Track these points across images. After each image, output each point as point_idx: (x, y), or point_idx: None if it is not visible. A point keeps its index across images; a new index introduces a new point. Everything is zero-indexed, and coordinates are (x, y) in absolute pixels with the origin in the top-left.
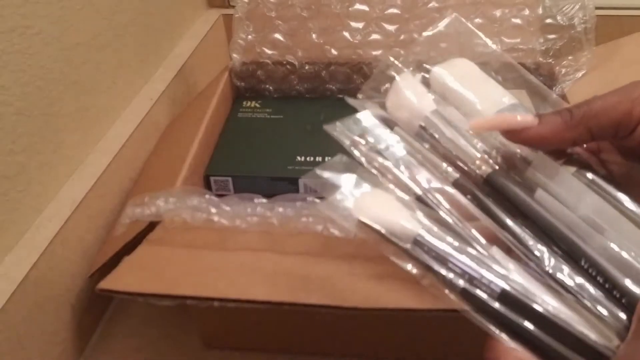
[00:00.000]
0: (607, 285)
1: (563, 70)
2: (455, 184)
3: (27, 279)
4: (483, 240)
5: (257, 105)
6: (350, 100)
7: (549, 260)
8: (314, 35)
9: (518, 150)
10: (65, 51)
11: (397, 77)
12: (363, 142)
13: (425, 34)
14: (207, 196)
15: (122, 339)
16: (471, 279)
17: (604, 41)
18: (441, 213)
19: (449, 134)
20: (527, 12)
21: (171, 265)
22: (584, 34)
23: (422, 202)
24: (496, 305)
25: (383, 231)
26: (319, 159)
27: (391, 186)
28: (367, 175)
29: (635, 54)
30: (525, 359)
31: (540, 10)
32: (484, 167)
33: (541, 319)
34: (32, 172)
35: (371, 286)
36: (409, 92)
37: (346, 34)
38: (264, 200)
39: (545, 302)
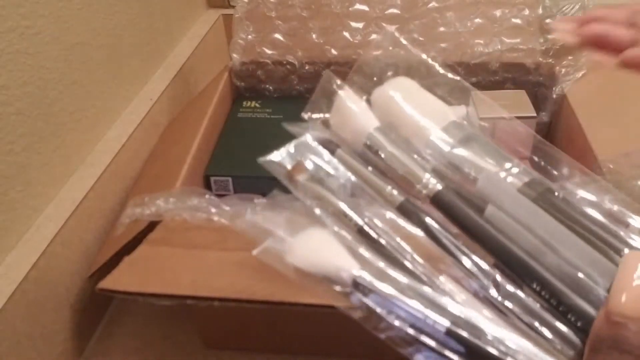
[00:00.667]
0: (560, 308)
1: (563, 70)
2: (400, 209)
3: (27, 279)
4: (431, 270)
5: (257, 105)
6: (288, 126)
7: (499, 287)
8: (314, 35)
9: (466, 169)
10: (65, 51)
11: (339, 95)
12: (301, 171)
13: (363, 55)
14: (207, 196)
15: (122, 340)
16: (415, 322)
17: None
18: (384, 244)
19: (394, 152)
20: (527, 12)
21: (171, 265)
22: None
23: (363, 235)
24: (441, 347)
25: (320, 276)
26: None
27: (330, 219)
28: (304, 210)
29: None
30: None
31: (540, 10)
32: (430, 186)
33: (487, 357)
34: (32, 172)
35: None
36: (352, 110)
37: (346, 34)
38: (264, 200)
39: (494, 334)
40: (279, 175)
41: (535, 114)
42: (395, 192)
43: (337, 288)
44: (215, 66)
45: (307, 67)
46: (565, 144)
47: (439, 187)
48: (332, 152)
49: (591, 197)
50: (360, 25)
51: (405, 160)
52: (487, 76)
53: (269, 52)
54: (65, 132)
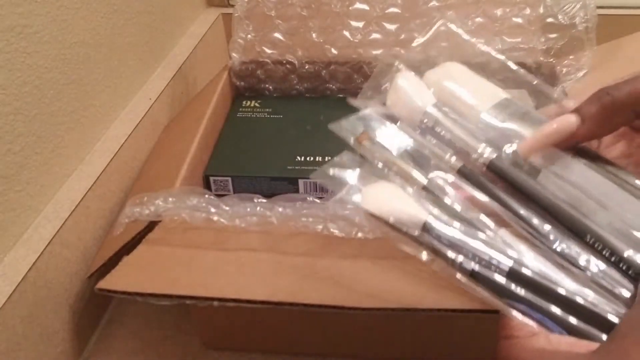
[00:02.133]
0: (613, 259)
1: (564, 70)
2: (460, 172)
3: (26, 280)
4: (491, 224)
5: (257, 104)
6: (352, 101)
7: (556, 239)
8: (314, 35)
9: (516, 141)
10: (63, 50)
11: (397, 75)
12: (367, 138)
13: (417, 41)
14: (206, 196)
15: (121, 340)
16: (480, 261)
17: (605, 40)
18: (447, 200)
19: (450, 126)
20: (528, 11)
21: (170, 265)
22: (585, 33)
23: (428, 191)
24: (505, 282)
25: (391, 220)
26: (318, 158)
27: (397, 178)
28: (373, 170)
29: (636, 53)
30: (537, 332)
31: (541, 10)
32: (486, 155)
33: (550, 293)
34: (30, 172)
35: (371, 286)
36: (409, 89)
37: (346, 33)
38: (264, 200)
39: (554, 277)
40: (348, 139)
41: None
42: (454, 159)
43: (410, 232)
44: (215, 65)
45: (307, 67)
46: None
47: (494, 155)
48: (393, 123)
49: None
50: (360, 24)
51: (460, 133)
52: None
53: (268, 51)
54: (64, 132)
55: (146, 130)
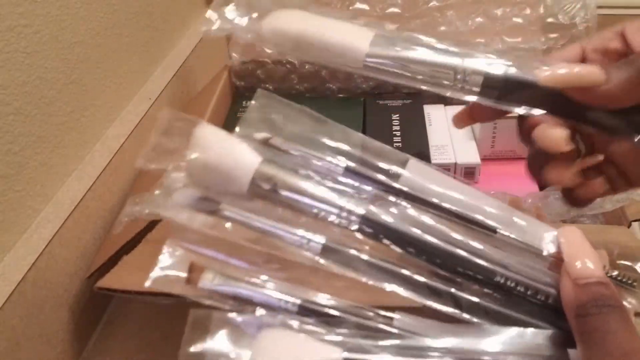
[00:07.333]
0: (528, 292)
1: None
2: (324, 254)
3: (26, 280)
4: (384, 317)
5: None
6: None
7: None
8: None
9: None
10: (63, 50)
11: (196, 130)
12: (201, 272)
13: None
14: None
15: (121, 341)
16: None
17: None
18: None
19: (298, 185)
20: (528, 11)
21: None
22: (586, 33)
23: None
24: None
25: None
26: None
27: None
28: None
29: None
30: None
31: (541, 10)
32: (353, 217)
33: None
34: (30, 172)
35: (370, 286)
36: (222, 145)
37: None
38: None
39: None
40: (179, 292)
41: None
42: (311, 236)
43: None
44: (215, 65)
45: (307, 67)
46: None
47: (362, 211)
48: (213, 212)
49: None
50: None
51: (317, 191)
52: None
53: (268, 51)
54: (64, 132)
55: (146, 130)
